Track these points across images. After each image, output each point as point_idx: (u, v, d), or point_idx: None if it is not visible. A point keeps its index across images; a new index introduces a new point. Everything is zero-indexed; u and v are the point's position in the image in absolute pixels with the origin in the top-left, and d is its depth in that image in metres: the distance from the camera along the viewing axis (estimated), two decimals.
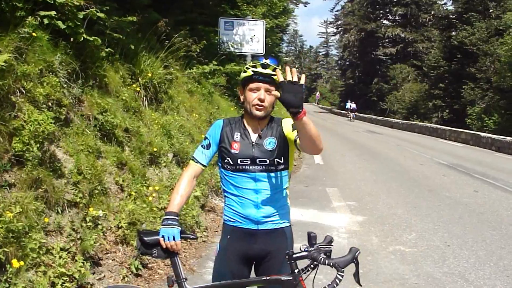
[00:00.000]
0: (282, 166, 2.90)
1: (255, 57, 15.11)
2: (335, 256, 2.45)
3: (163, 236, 2.74)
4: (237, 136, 2.92)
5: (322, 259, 2.42)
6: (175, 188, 2.93)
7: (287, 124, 2.91)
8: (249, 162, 2.86)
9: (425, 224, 8.11)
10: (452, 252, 6.69)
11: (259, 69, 2.79)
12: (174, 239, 2.73)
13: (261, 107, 2.83)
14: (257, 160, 2.85)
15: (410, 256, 6.47)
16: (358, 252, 2.46)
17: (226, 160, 2.91)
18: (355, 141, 23.81)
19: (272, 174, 2.88)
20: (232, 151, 2.89)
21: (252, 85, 2.83)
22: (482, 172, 14.08)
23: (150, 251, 2.80)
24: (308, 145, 2.67)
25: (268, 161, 2.86)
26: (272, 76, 2.78)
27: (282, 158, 2.88)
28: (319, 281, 2.55)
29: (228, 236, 2.97)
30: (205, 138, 3.00)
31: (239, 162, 2.87)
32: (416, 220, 8.40)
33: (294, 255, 2.55)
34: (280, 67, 2.80)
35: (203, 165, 2.98)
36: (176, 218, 2.79)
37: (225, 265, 2.95)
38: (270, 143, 2.88)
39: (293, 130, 2.82)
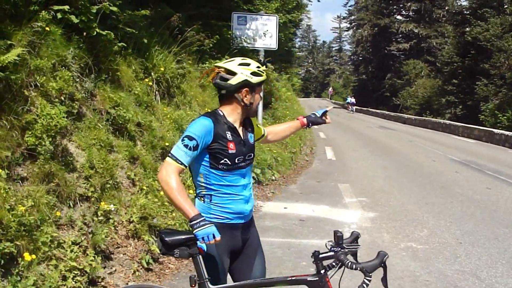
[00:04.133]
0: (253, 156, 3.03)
1: (267, 52, 15.12)
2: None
3: (203, 238, 2.62)
4: (229, 135, 2.84)
5: (349, 263, 2.36)
6: (178, 192, 2.70)
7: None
8: (242, 159, 2.88)
9: (437, 221, 8.06)
10: (464, 249, 6.65)
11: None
12: (214, 237, 2.63)
13: None
14: (246, 156, 2.91)
15: (421, 253, 6.44)
16: (387, 256, 2.41)
17: (222, 161, 2.81)
18: (367, 137, 23.69)
19: (251, 166, 3.02)
20: (230, 151, 2.82)
21: (259, 88, 2.96)
22: (495, 169, 13.95)
23: (172, 252, 2.71)
24: (280, 139, 3.59)
25: (252, 154, 2.98)
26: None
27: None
28: (342, 282, 2.52)
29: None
30: (191, 138, 2.74)
31: (236, 161, 2.84)
32: (428, 217, 8.35)
33: (320, 255, 2.51)
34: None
35: (185, 166, 2.79)
36: (204, 217, 2.68)
37: (216, 264, 2.89)
38: (251, 136, 3.01)
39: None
